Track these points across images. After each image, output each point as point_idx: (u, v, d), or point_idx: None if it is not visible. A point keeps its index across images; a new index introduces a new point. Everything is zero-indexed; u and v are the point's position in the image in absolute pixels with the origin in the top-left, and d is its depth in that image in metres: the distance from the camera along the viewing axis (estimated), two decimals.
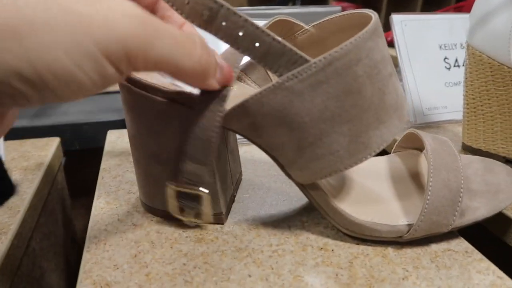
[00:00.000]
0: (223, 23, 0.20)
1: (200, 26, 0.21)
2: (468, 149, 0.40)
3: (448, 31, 0.49)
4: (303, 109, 0.22)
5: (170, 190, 0.26)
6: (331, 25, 0.28)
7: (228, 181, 0.30)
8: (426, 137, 0.29)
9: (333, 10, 0.59)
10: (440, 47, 0.49)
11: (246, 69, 0.31)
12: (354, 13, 0.26)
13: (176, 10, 0.21)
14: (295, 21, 0.29)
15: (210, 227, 0.28)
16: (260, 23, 0.48)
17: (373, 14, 0.23)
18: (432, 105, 0.47)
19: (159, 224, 0.28)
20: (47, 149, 0.40)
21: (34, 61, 0.14)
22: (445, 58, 0.49)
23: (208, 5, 0.20)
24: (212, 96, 0.23)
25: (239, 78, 0.31)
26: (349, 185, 0.29)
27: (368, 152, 0.23)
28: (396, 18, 0.48)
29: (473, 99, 0.38)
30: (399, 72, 0.48)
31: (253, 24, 0.20)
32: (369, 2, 2.78)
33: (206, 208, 0.26)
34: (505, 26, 0.34)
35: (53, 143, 0.41)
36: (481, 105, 0.38)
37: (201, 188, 0.25)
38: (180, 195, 0.26)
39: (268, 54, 0.21)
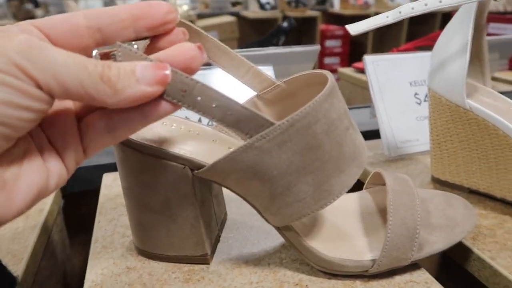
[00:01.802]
0: (198, 98, 0.23)
1: (178, 99, 0.23)
2: (436, 181, 0.44)
3: (417, 68, 0.54)
4: (272, 164, 0.25)
5: None
6: (299, 81, 0.32)
7: (212, 224, 0.33)
8: (388, 178, 0.32)
9: (312, 49, 0.63)
10: (411, 83, 0.53)
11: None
12: (316, 72, 0.29)
13: None
14: (268, 77, 0.32)
15: (197, 267, 0.31)
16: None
17: (329, 76, 0.27)
18: (405, 138, 0.51)
19: (151, 267, 0.31)
20: None
21: None
22: (416, 94, 0.53)
23: (185, 83, 0.22)
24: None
25: (217, 127, 0.34)
26: (321, 223, 0.32)
27: (331, 197, 0.26)
28: (368, 59, 0.52)
29: (437, 135, 0.42)
30: (373, 108, 0.52)
31: (224, 96, 0.23)
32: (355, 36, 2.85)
33: None
34: (460, 73, 0.37)
35: None
36: (445, 141, 0.41)
37: None
38: None
39: (239, 121, 0.24)
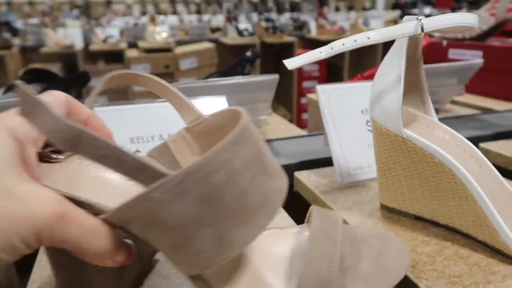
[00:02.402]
0: (87, 147, 0.23)
1: (68, 150, 0.23)
2: (384, 208, 0.45)
3: (368, 97, 0.55)
4: (168, 216, 0.24)
5: None
6: (224, 116, 0.32)
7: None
8: (316, 219, 0.31)
9: (271, 79, 0.65)
10: (362, 111, 0.55)
11: (154, 155, 0.34)
12: (233, 109, 0.29)
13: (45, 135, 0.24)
14: (196, 110, 0.32)
15: None
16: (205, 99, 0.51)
17: (242, 117, 0.26)
18: (357, 165, 0.52)
19: None
20: None
21: None
22: (367, 121, 0.54)
23: (71, 133, 0.23)
24: None
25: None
26: (241, 268, 0.30)
27: (233, 250, 0.25)
28: (321, 89, 0.54)
29: (382, 163, 0.43)
30: (326, 136, 0.53)
31: (114, 146, 0.23)
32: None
33: None
34: (395, 104, 0.39)
35: None
36: (389, 169, 0.42)
37: None
38: None
39: (131, 171, 0.24)
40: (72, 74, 1.18)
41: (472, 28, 0.35)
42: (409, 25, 0.34)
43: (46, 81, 0.75)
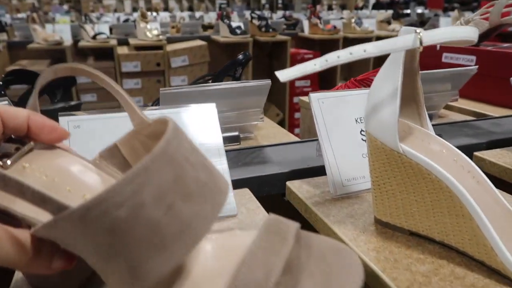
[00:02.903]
0: None
1: None
2: (378, 222, 0.43)
3: (363, 105, 0.54)
4: (78, 245, 0.24)
5: None
6: (161, 123, 0.30)
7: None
8: (261, 237, 0.29)
9: (263, 84, 0.63)
10: (356, 120, 0.53)
11: (105, 156, 0.34)
12: (164, 120, 0.29)
13: None
14: (141, 115, 0.32)
15: None
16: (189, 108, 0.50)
17: (165, 133, 0.25)
18: (351, 176, 0.50)
19: None
20: None
21: None
22: (361, 131, 0.53)
23: None
24: None
25: (98, 166, 0.33)
26: (182, 280, 0.29)
27: (150, 280, 0.24)
28: (314, 96, 0.52)
29: (377, 177, 0.41)
30: (319, 145, 0.52)
31: (12, 179, 0.24)
32: (326, 49, 2.92)
33: None
34: (391, 118, 0.38)
35: None
36: (384, 183, 0.41)
37: None
38: None
39: (35, 201, 0.24)
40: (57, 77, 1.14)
41: (471, 42, 0.33)
42: (407, 38, 0.32)
43: (30, 82, 0.72)
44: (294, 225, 0.31)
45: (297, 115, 2.74)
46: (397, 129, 0.37)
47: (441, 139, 0.40)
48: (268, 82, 0.63)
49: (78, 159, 0.33)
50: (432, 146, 0.40)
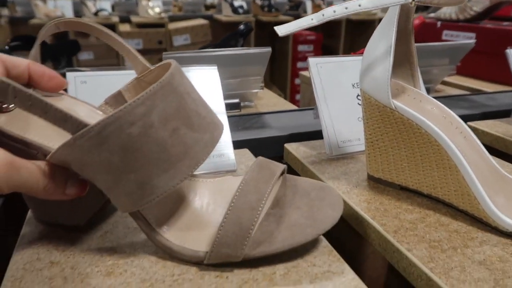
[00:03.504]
0: (15, 98, 0.26)
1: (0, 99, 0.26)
2: (371, 178, 0.45)
3: (359, 71, 0.55)
4: (95, 161, 0.26)
5: None
6: (165, 68, 0.33)
7: (89, 199, 0.33)
8: (253, 171, 0.32)
9: (263, 52, 0.65)
10: (353, 85, 0.55)
11: (110, 102, 0.36)
12: (169, 62, 0.31)
13: None
14: (143, 61, 0.34)
15: (122, 261, 0.31)
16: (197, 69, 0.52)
17: (170, 70, 0.28)
18: (346, 138, 0.52)
19: (75, 261, 0.31)
20: None
21: None
22: (358, 95, 0.55)
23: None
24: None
25: (103, 111, 0.36)
26: (182, 210, 0.33)
27: (155, 195, 0.27)
28: (312, 61, 0.54)
29: (370, 134, 0.43)
30: (316, 109, 0.54)
31: (37, 98, 0.26)
32: (329, 31, 2.91)
33: None
34: (384, 75, 0.39)
35: None
36: (377, 140, 0.43)
37: None
38: None
39: (56, 120, 0.26)
40: (61, 41, 1.16)
41: (461, 1, 0.35)
42: None
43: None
44: (281, 165, 0.34)
45: (297, 96, 2.74)
46: (389, 86, 0.39)
47: (432, 98, 0.42)
48: (268, 49, 0.65)
49: (85, 103, 0.35)
50: (423, 105, 0.42)
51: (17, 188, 0.26)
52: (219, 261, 0.30)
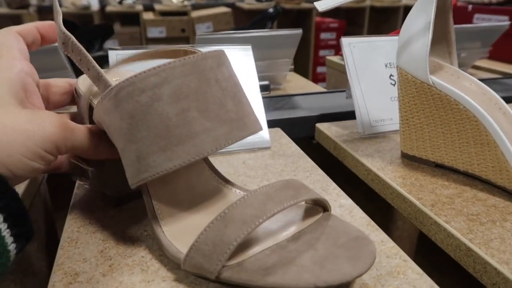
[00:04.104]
0: (72, 50, 0.28)
1: (60, 47, 0.29)
2: (405, 156, 0.46)
3: (392, 51, 0.55)
4: (112, 123, 0.27)
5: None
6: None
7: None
8: (275, 185, 0.28)
9: (294, 33, 0.65)
10: (386, 65, 0.55)
11: None
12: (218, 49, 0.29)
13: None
14: (193, 50, 0.33)
15: None
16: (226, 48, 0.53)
17: (197, 53, 0.28)
18: (379, 117, 0.53)
19: (125, 226, 0.33)
20: None
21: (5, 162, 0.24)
22: (391, 75, 0.55)
23: (62, 36, 0.29)
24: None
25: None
26: (193, 212, 0.31)
27: (151, 172, 0.26)
28: (345, 41, 0.54)
29: (405, 112, 0.44)
30: (349, 89, 0.54)
31: (87, 55, 0.28)
32: (352, 18, 2.87)
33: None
34: (422, 51, 0.39)
35: None
36: (412, 117, 0.43)
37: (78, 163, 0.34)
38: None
39: (93, 78, 0.28)
40: (95, 25, 1.17)
41: None
42: None
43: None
44: (321, 198, 0.29)
45: (319, 69, 2.72)
46: (428, 61, 0.39)
47: (470, 76, 0.42)
48: (299, 31, 0.65)
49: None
50: (461, 81, 0.42)
51: (72, 149, 0.28)
52: (193, 271, 0.26)
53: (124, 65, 0.36)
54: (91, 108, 0.32)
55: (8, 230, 0.21)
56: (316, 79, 2.74)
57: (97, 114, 0.29)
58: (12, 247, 0.21)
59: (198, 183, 0.32)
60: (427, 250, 0.36)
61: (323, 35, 2.70)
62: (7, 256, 0.21)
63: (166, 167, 0.26)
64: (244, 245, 0.26)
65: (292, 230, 0.28)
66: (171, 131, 0.25)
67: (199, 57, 0.27)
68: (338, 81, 0.99)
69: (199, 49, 0.31)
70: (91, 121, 0.31)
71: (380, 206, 0.41)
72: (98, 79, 0.28)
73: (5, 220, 0.21)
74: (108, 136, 0.29)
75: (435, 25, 0.41)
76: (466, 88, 0.41)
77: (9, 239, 0.21)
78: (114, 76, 0.37)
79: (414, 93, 0.42)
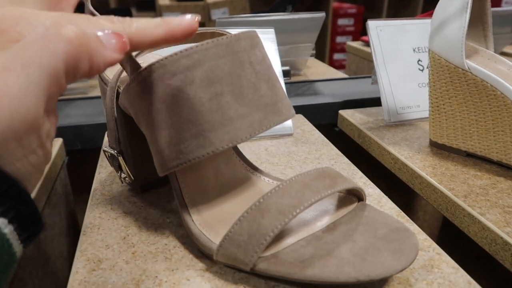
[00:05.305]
0: None
1: None
2: (434, 145, 0.44)
3: (421, 35, 0.53)
4: (141, 107, 0.26)
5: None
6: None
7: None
8: (310, 173, 0.27)
9: (317, 16, 0.63)
10: (414, 50, 0.53)
11: None
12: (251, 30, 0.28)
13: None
14: (222, 31, 0.31)
15: None
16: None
17: (231, 35, 0.25)
18: (406, 104, 0.51)
19: (146, 212, 0.32)
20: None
21: None
22: (419, 60, 0.52)
23: (90, 10, 0.27)
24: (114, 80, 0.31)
25: None
26: (223, 201, 0.29)
27: (184, 159, 0.25)
28: (372, 24, 0.52)
29: (436, 98, 0.42)
30: (374, 74, 0.52)
31: None
32: (370, 4, 2.81)
33: (123, 167, 0.32)
34: (458, 33, 0.37)
35: (56, 143, 0.46)
36: (443, 104, 0.41)
37: (110, 150, 0.33)
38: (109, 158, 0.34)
39: (122, 59, 0.25)
40: (114, 8, 1.15)
41: None
42: None
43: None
44: (357, 187, 0.28)
45: (336, 56, 2.67)
46: (464, 44, 0.37)
47: (507, 60, 0.40)
48: (322, 14, 0.63)
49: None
50: (498, 66, 0.39)
51: (90, 65, 0.19)
52: (226, 262, 0.25)
53: (151, 49, 0.35)
54: (117, 97, 0.30)
55: (17, 237, 0.19)
56: (333, 66, 2.69)
57: (124, 99, 0.27)
58: (19, 248, 0.19)
59: (226, 171, 0.31)
60: (450, 243, 0.34)
61: (341, 21, 2.64)
62: (13, 259, 0.19)
63: (198, 154, 0.24)
64: (278, 236, 0.25)
65: (326, 220, 0.27)
66: (204, 116, 0.24)
67: (232, 38, 0.25)
68: (359, 67, 0.97)
69: (227, 31, 0.30)
70: (118, 109, 0.30)
71: (400, 197, 0.40)
72: (126, 61, 0.26)
73: (15, 230, 0.18)
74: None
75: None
76: (504, 73, 0.39)
77: (18, 247, 0.19)
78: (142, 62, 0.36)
79: (447, 78, 0.40)
